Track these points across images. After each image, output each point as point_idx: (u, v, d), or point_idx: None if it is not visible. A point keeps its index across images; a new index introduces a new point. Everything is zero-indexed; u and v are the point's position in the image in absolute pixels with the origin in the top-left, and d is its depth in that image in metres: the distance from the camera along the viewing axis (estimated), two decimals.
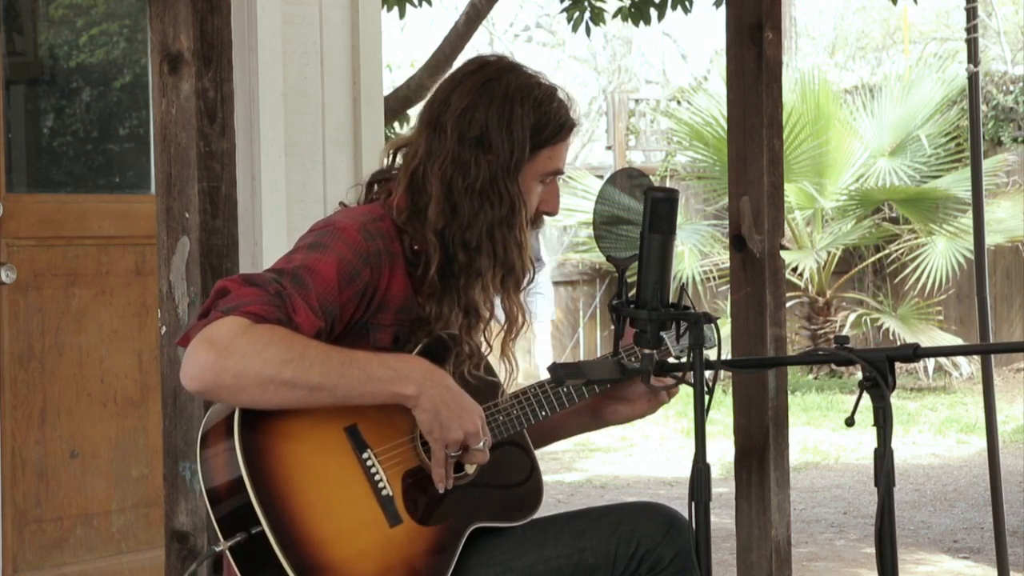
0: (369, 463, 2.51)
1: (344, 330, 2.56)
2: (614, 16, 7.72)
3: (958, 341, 12.13)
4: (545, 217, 2.75)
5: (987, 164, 11.55)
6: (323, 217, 2.71)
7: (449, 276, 2.63)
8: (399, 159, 2.73)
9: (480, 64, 2.70)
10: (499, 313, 2.69)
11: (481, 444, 2.54)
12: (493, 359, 2.73)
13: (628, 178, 2.61)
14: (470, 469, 2.62)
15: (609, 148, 15.18)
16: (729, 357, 2.84)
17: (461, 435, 2.52)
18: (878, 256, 13.13)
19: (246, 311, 2.41)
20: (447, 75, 2.75)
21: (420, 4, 7.67)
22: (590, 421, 2.89)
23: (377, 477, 2.51)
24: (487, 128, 2.62)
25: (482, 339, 2.67)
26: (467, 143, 2.62)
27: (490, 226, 2.61)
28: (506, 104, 2.63)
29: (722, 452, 4.88)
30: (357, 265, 2.54)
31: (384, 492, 2.51)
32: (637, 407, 2.84)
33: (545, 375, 2.64)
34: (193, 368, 2.40)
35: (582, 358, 12.62)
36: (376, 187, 2.75)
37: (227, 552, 2.42)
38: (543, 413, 2.73)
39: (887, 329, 12.36)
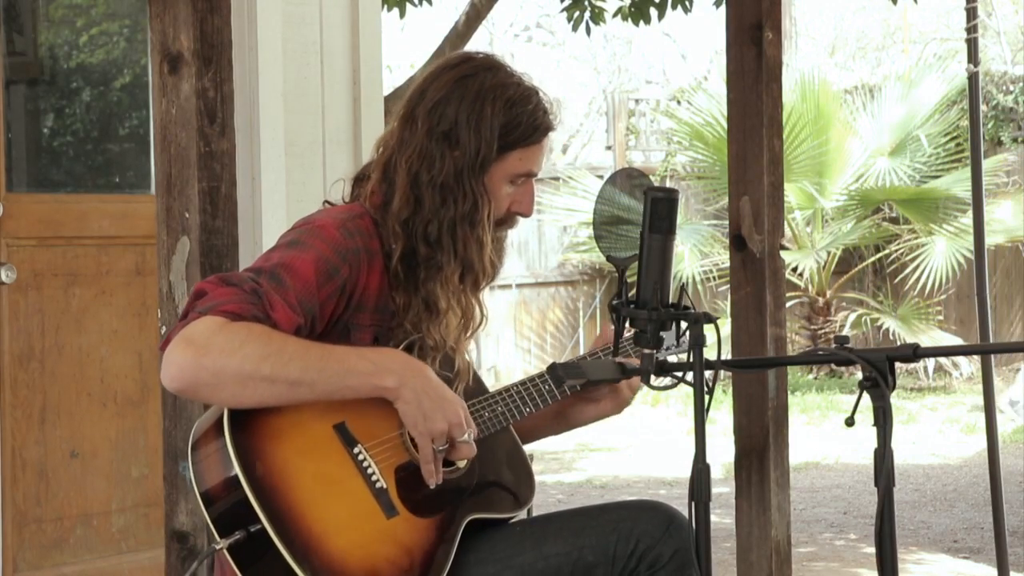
0: (361, 457, 2.51)
1: (325, 329, 2.56)
2: (614, 16, 7.72)
3: (958, 341, 12.14)
4: (519, 218, 2.74)
5: (987, 164, 11.55)
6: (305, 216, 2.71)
7: (413, 267, 2.63)
8: None
9: (462, 59, 2.70)
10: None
11: (466, 436, 2.54)
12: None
13: (628, 178, 2.60)
14: (461, 463, 2.63)
15: (609, 148, 15.18)
16: (729, 357, 2.84)
17: (445, 426, 2.51)
18: (878, 256, 13.14)
19: (223, 310, 2.41)
20: (430, 68, 2.75)
21: (420, 4, 7.66)
22: (556, 423, 2.88)
23: (370, 471, 2.51)
24: (456, 124, 2.61)
25: (441, 333, 2.66)
26: (435, 137, 2.62)
27: (452, 222, 2.61)
28: (477, 101, 2.62)
29: (722, 452, 4.88)
30: (336, 262, 2.54)
31: (378, 485, 2.51)
32: (602, 406, 2.83)
33: None
34: (172, 368, 2.41)
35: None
36: (361, 183, 2.75)
37: (225, 552, 2.42)
38: (527, 409, 2.73)
39: (887, 329, 12.36)
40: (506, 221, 2.72)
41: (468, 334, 2.69)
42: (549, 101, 2.69)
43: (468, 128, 2.61)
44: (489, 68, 2.66)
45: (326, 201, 2.77)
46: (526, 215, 2.73)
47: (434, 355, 2.64)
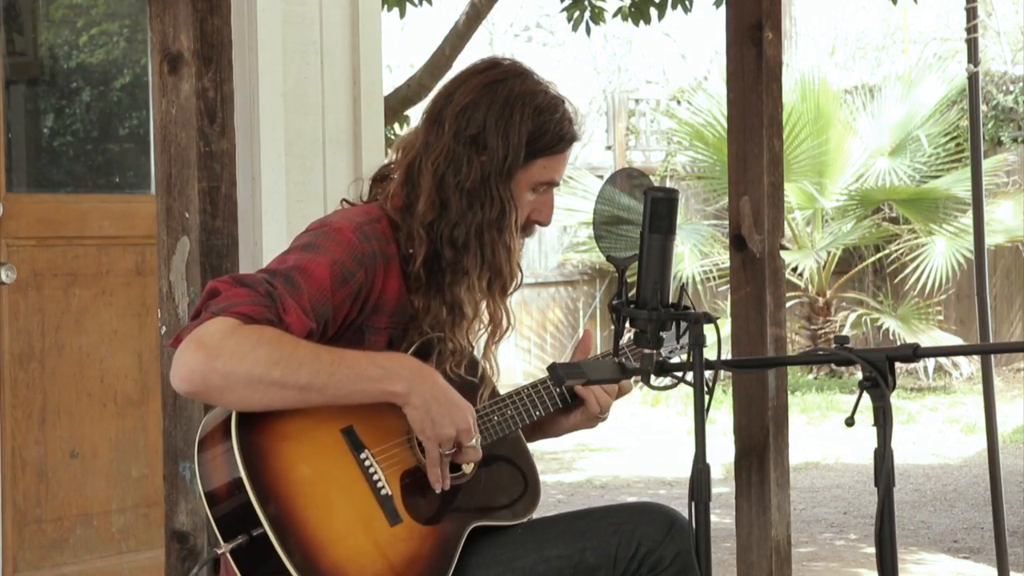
0: (367, 463, 2.51)
1: (338, 332, 2.56)
2: (614, 16, 7.72)
3: (958, 341, 12.14)
4: (537, 227, 2.74)
5: (987, 164, 11.55)
6: (320, 217, 2.70)
7: (436, 271, 2.63)
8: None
9: (490, 64, 2.70)
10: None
11: (474, 441, 2.54)
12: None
13: (628, 178, 2.60)
14: (467, 468, 2.63)
15: (609, 148, 15.17)
16: (729, 357, 2.84)
17: (453, 432, 2.51)
18: (878, 256, 13.14)
19: (236, 311, 2.41)
20: (458, 71, 2.74)
21: (420, 4, 7.66)
22: (531, 433, 2.86)
23: (376, 477, 2.51)
24: (484, 128, 2.61)
25: (466, 338, 2.66)
26: (462, 141, 2.62)
27: (479, 227, 2.61)
28: (506, 107, 2.62)
29: (722, 452, 4.88)
30: (351, 266, 2.54)
31: (383, 491, 2.51)
32: (573, 418, 2.83)
33: None
34: (182, 369, 2.40)
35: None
36: (380, 184, 2.74)
37: (228, 555, 2.41)
38: (536, 413, 2.73)
39: (887, 329, 12.37)
40: (525, 229, 2.72)
41: (496, 340, 2.69)
42: (574, 111, 2.69)
43: (496, 133, 2.61)
44: (518, 75, 2.66)
45: (344, 200, 2.76)
46: (545, 224, 2.73)
47: (454, 360, 2.63)
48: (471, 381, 2.68)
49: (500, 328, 2.68)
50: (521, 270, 2.70)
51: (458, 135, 2.62)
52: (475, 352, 2.73)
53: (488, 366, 2.71)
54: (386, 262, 2.59)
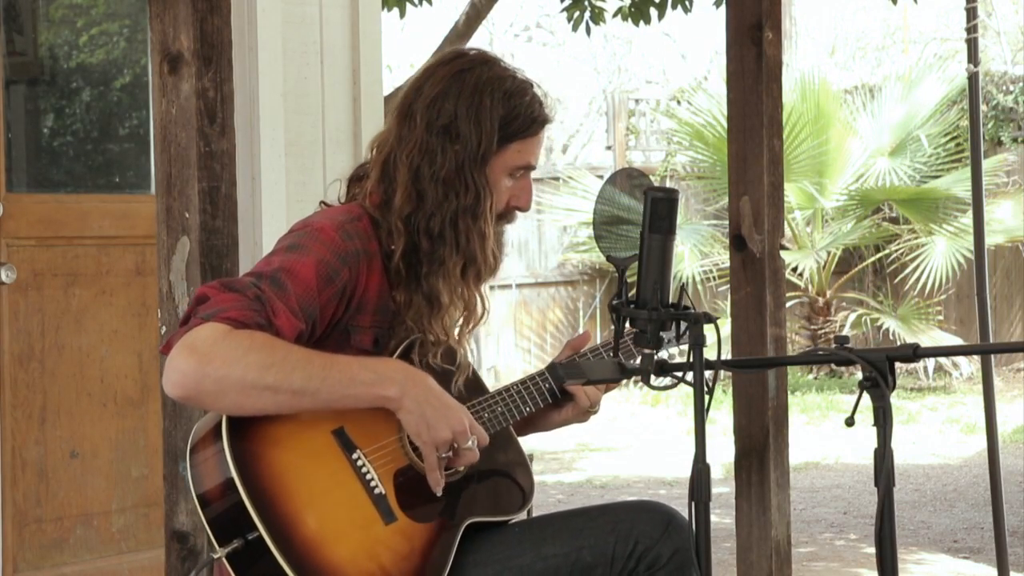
0: (359, 463, 2.51)
1: (325, 332, 2.56)
2: (614, 16, 7.72)
3: (958, 341, 12.14)
4: (517, 212, 2.75)
5: (987, 164, 11.55)
6: (302, 218, 2.71)
7: (414, 263, 2.63)
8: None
9: (456, 55, 2.71)
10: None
11: (470, 443, 2.54)
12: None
13: (628, 178, 2.60)
14: (460, 466, 2.62)
15: (609, 148, 15.17)
16: (729, 357, 2.84)
17: (450, 435, 2.51)
18: (878, 256, 13.14)
19: (226, 317, 2.41)
20: (424, 65, 2.76)
21: (420, 4, 7.66)
22: (522, 427, 2.86)
23: (368, 476, 2.51)
24: (455, 117, 2.62)
25: (443, 327, 2.66)
26: (435, 131, 2.62)
27: (454, 215, 2.62)
28: (476, 94, 2.63)
29: (722, 452, 4.88)
30: (336, 265, 2.54)
31: (377, 490, 2.51)
32: (565, 413, 2.82)
33: None
34: (175, 375, 2.40)
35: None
36: (357, 184, 2.75)
37: (223, 559, 2.41)
38: (527, 409, 2.73)
39: (887, 329, 12.37)
40: (505, 216, 2.73)
41: (470, 327, 2.70)
42: (544, 93, 2.70)
43: (468, 121, 2.62)
44: (484, 62, 2.68)
45: (323, 202, 2.77)
46: (524, 209, 2.74)
47: (435, 350, 2.64)
48: (448, 369, 2.68)
49: (475, 315, 2.69)
50: (498, 256, 2.70)
51: (430, 126, 2.63)
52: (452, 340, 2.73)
53: (462, 354, 2.71)
54: (369, 260, 2.60)
